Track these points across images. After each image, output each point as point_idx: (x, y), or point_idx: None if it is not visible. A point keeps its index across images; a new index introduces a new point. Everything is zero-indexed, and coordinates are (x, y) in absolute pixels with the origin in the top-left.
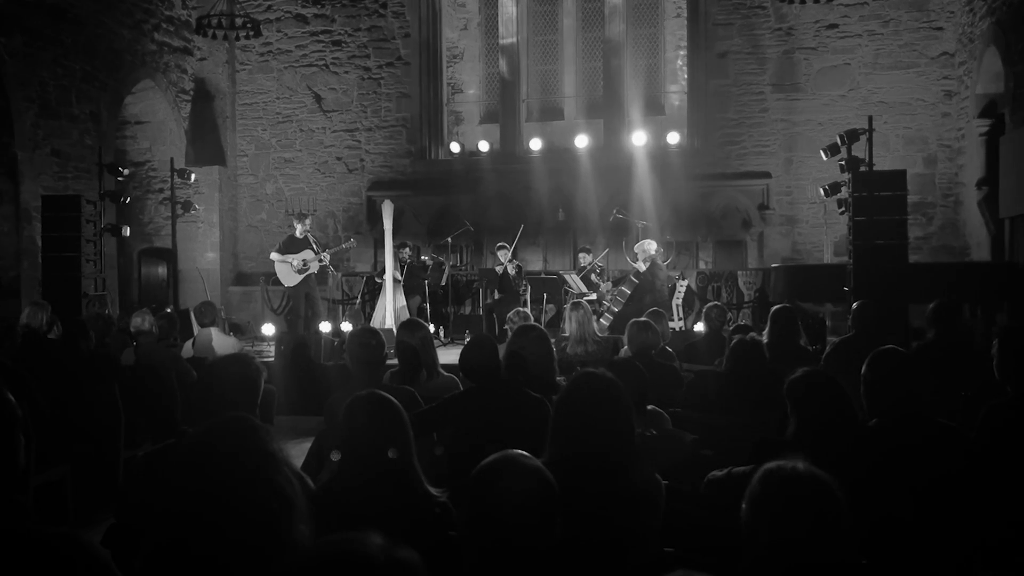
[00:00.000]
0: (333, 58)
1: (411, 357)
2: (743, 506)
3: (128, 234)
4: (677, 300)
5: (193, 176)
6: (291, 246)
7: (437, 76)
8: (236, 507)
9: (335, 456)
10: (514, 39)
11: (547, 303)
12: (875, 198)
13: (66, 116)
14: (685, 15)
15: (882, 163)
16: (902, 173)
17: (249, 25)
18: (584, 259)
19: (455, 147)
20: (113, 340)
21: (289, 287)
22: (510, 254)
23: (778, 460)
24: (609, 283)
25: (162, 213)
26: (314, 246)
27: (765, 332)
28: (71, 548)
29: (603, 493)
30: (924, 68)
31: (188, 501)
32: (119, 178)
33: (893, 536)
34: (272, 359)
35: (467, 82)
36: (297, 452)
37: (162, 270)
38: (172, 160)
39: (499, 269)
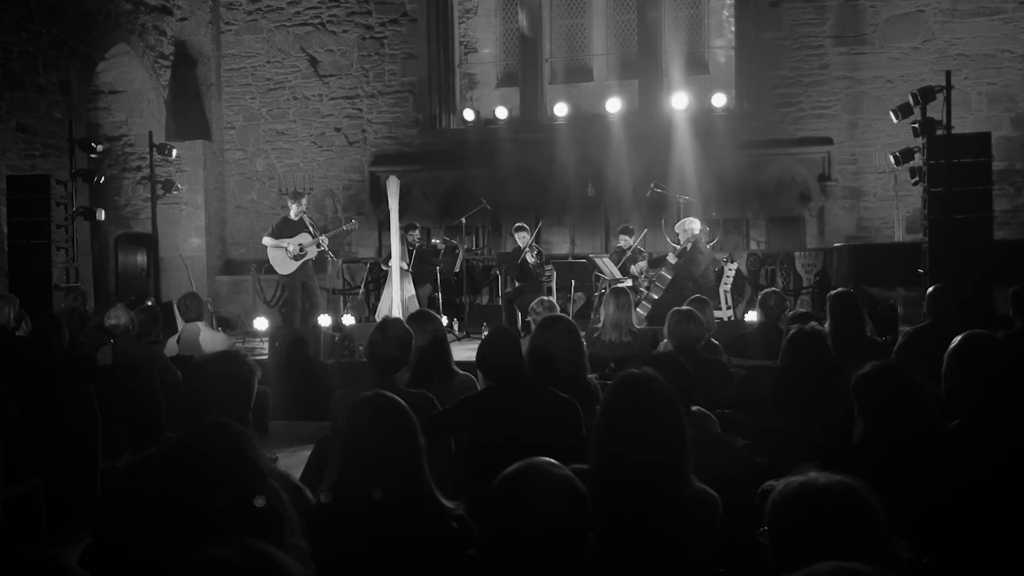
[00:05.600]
0: (330, 15)
1: (424, 355)
2: (765, 529)
3: (103, 218)
4: (725, 286)
5: (175, 152)
6: (285, 229)
7: (448, 34)
8: (219, 521)
9: (378, 494)
10: None
11: (575, 291)
12: (954, 166)
13: (32, 86)
14: None
15: (962, 125)
16: (986, 136)
17: None
18: (624, 241)
19: (469, 114)
20: (88, 337)
21: (284, 276)
22: (531, 238)
23: (845, 470)
24: (644, 263)
25: (140, 194)
26: (311, 229)
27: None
28: (46, 569)
29: (652, 506)
30: (1011, 14)
31: (168, 515)
32: (92, 155)
33: (978, 551)
34: (266, 357)
35: (482, 40)
36: (295, 461)
37: (141, 258)
38: (151, 134)
39: (529, 256)
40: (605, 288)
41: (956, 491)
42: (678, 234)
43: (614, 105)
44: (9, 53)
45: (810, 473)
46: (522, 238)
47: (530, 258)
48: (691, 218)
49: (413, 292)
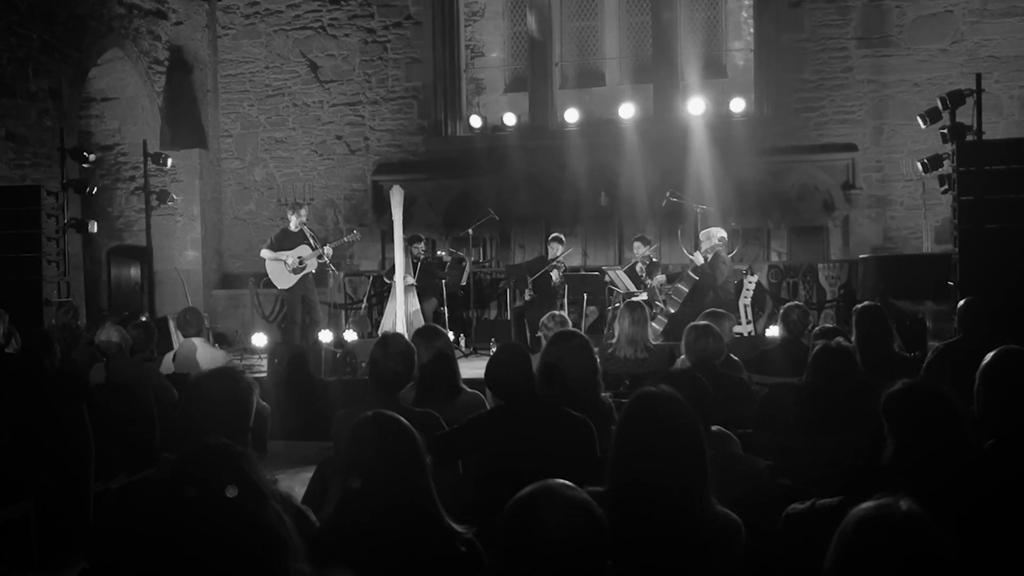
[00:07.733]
0: (331, 19)
1: (429, 372)
2: (829, 553)
3: (95, 230)
4: (745, 299)
5: (170, 161)
6: (285, 241)
7: (453, 37)
8: (218, 546)
9: (355, 484)
10: None
11: (588, 305)
12: (985, 173)
13: (22, 93)
14: None
15: (993, 131)
16: (1018, 142)
17: None
18: (639, 249)
19: (476, 121)
20: (81, 354)
21: (283, 290)
22: (562, 255)
23: (874, 493)
24: (663, 276)
25: (134, 205)
26: (311, 241)
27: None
28: None
29: (672, 530)
30: None
31: (164, 540)
32: (84, 165)
33: None
34: (264, 374)
35: (489, 43)
36: (296, 483)
37: (135, 272)
38: (145, 143)
39: (557, 271)
40: (619, 302)
41: (991, 513)
42: (701, 241)
43: (628, 111)
44: None
45: (885, 500)
46: (554, 249)
47: (555, 276)
48: (715, 228)
49: (418, 306)
